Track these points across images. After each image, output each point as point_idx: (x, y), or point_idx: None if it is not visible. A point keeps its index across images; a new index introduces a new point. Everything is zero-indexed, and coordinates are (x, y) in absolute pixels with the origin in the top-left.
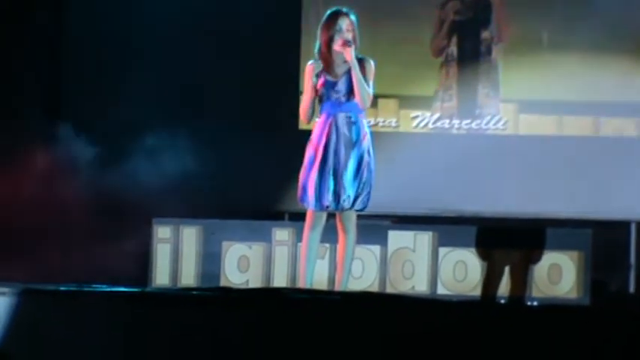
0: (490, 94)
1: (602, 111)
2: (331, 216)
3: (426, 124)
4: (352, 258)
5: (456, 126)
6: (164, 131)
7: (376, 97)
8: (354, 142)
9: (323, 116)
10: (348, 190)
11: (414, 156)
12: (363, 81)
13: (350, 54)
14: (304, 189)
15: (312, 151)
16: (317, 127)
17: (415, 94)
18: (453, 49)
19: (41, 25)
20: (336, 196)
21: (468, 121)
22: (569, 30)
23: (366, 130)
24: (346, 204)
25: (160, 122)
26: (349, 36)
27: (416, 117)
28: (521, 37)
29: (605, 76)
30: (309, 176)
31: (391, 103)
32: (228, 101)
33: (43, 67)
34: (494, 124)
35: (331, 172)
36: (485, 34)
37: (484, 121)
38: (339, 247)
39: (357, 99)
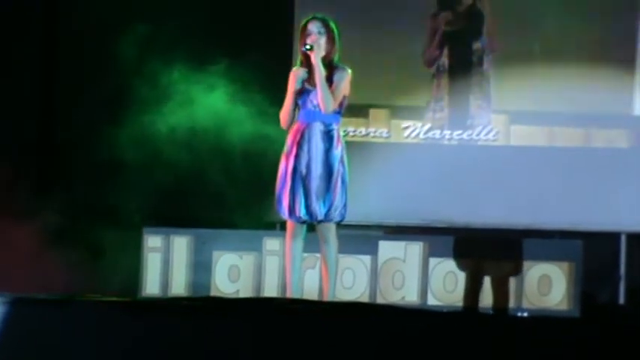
0: (481, 105)
1: (593, 122)
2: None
3: (418, 135)
4: (336, 267)
5: (447, 136)
6: (156, 139)
7: (367, 107)
8: (327, 153)
9: (297, 125)
10: (320, 202)
11: (405, 166)
12: (324, 84)
13: (313, 57)
14: (279, 200)
15: (284, 160)
16: (290, 135)
17: (407, 104)
18: (445, 59)
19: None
20: (309, 207)
21: (460, 131)
22: (561, 41)
23: (340, 141)
24: (319, 215)
25: (153, 129)
26: (320, 39)
27: (407, 127)
28: (512, 48)
29: (596, 88)
30: (283, 187)
31: (382, 114)
32: (221, 106)
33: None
34: (486, 135)
35: (302, 183)
36: (476, 45)
37: (475, 132)
38: (321, 257)
39: (318, 100)
